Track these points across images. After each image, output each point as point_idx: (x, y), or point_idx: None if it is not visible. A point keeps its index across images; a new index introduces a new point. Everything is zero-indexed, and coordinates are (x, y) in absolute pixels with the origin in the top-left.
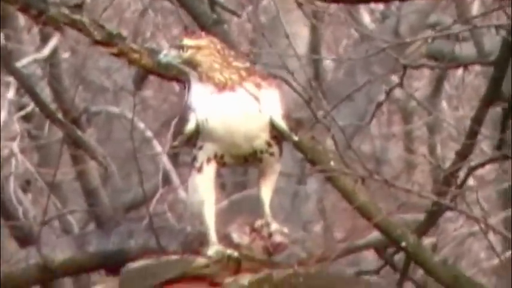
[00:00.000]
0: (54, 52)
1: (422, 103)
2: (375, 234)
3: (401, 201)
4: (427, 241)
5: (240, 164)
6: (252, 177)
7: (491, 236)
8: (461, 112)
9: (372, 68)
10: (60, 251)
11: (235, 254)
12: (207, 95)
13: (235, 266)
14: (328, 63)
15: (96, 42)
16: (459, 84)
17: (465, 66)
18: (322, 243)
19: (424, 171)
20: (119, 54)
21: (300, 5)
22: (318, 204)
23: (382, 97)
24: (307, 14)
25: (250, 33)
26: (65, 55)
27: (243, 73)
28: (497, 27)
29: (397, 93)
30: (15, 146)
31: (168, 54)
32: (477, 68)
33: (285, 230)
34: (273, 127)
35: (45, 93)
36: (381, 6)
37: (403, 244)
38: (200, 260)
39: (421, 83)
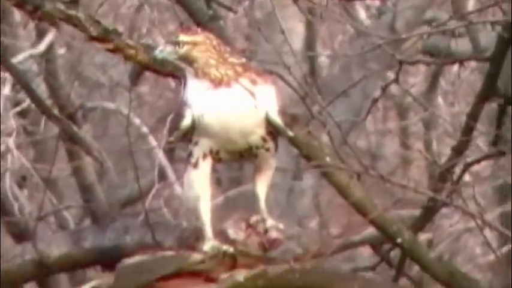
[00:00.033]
0: (50, 48)
1: (418, 99)
2: (370, 231)
3: (397, 197)
4: (423, 237)
5: (236, 160)
6: (247, 173)
7: (487, 232)
8: (457, 108)
9: (367, 64)
10: (55, 247)
11: (231, 249)
12: (202, 90)
13: (231, 261)
14: (323, 59)
15: (92, 38)
16: (455, 80)
17: (461, 62)
18: (318, 239)
19: (419, 167)
20: (114, 50)
21: (295, 0)
22: (314, 200)
23: (377, 93)
24: (303, 10)
25: (246, 29)
26: (61, 51)
27: (239, 69)
28: (493, 24)
29: (393, 89)
30: (11, 141)
31: (163, 50)
32: (473, 63)
33: (281, 225)
34: (269, 123)
35: (41, 89)
36: (376, 2)
37: (399, 240)
38: (196, 256)
39: (417, 78)
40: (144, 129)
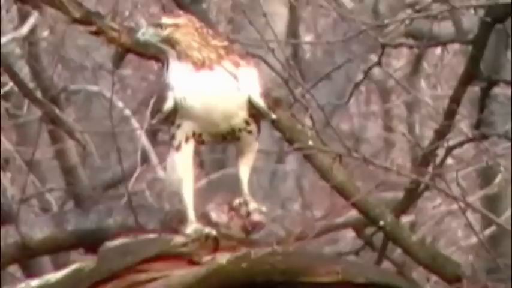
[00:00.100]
0: (33, 31)
1: (400, 82)
2: (353, 213)
3: (380, 179)
4: (406, 219)
5: (219, 142)
6: (231, 156)
7: (470, 215)
8: (440, 91)
9: (350, 47)
10: (38, 230)
11: (214, 232)
12: (185, 73)
13: (214, 244)
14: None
15: (75, 21)
16: (438, 63)
17: (444, 45)
18: (301, 222)
19: (402, 150)
20: (97, 33)
21: None
22: (297, 183)
23: (360, 76)
24: None
25: (229, 12)
26: (44, 34)
27: (222, 52)
28: (476, 8)
29: (376, 72)
30: None
31: (146, 33)
32: (456, 46)
33: (263, 208)
34: (251, 105)
35: (24, 72)
36: None
37: (381, 223)
38: (178, 239)
39: (399, 61)
40: (127, 112)
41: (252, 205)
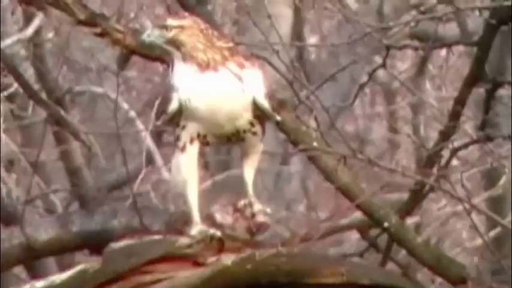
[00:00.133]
0: (38, 32)
1: (405, 84)
2: (358, 215)
3: (384, 181)
4: (411, 221)
5: (223, 144)
6: (235, 157)
7: (475, 216)
8: (445, 92)
9: (355, 49)
10: (43, 231)
11: (218, 233)
12: (190, 74)
13: (218, 245)
14: (311, 43)
15: (80, 22)
16: (443, 65)
17: (449, 46)
18: (306, 223)
19: (407, 151)
20: (102, 35)
21: None
22: (301, 184)
23: (365, 78)
24: None
25: (233, 13)
26: (49, 35)
27: (226, 53)
28: (481, 9)
29: (381, 73)
30: None
31: (151, 34)
32: (461, 48)
33: (268, 210)
34: (256, 107)
35: (29, 73)
36: None
37: (386, 225)
38: (183, 240)
39: (404, 63)
40: (132, 114)
41: (257, 206)
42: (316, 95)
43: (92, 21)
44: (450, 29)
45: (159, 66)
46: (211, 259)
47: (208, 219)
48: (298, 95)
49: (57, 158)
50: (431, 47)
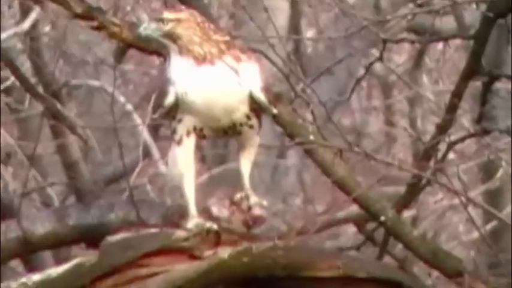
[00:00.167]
0: (35, 26)
1: (402, 78)
2: (354, 208)
3: (381, 174)
4: (408, 214)
5: (220, 137)
6: (232, 151)
7: (471, 210)
8: (442, 86)
9: (352, 42)
10: (40, 224)
11: (215, 227)
12: (186, 68)
13: (215, 239)
14: (308, 36)
15: (76, 16)
16: (439, 58)
17: (445, 40)
18: (302, 217)
19: (404, 145)
20: (99, 28)
21: None
22: (298, 178)
23: (362, 71)
24: None
25: (230, 7)
26: (45, 29)
27: (223, 47)
28: (477, 3)
29: (377, 67)
30: None
31: (148, 28)
32: (458, 41)
33: (264, 203)
34: (252, 100)
35: (25, 66)
36: None
37: (382, 218)
38: (180, 233)
39: (401, 56)
40: (129, 107)
41: (253, 199)
42: (312, 88)
43: (88, 14)
44: (447, 23)
45: (156, 60)
46: (208, 252)
47: (205, 212)
48: (294, 89)
49: (53, 151)
50: (428, 41)
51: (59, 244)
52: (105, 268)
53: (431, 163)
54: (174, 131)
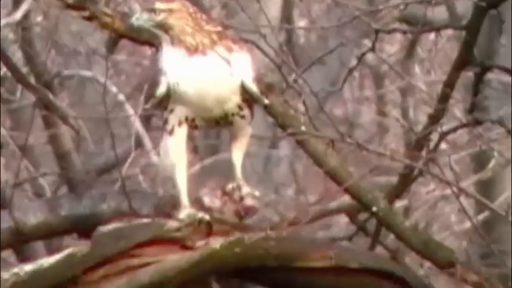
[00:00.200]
0: (26, 16)
1: (394, 68)
2: (346, 199)
3: (373, 164)
4: (400, 204)
5: (212, 127)
6: (224, 141)
7: (463, 200)
8: (434, 76)
9: (344, 32)
10: (32, 215)
11: (207, 217)
12: (178, 58)
13: (207, 229)
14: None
15: (68, 6)
16: (432, 48)
17: (437, 30)
18: (294, 207)
19: (396, 135)
20: (91, 18)
21: None
22: (290, 168)
23: (354, 61)
24: None
25: None
26: (37, 19)
27: (215, 37)
28: None
29: (369, 57)
30: None
31: (140, 18)
32: (449, 32)
33: (256, 193)
34: (244, 90)
35: (17, 57)
36: None
37: (374, 209)
38: (172, 224)
39: (393, 46)
40: (121, 97)
41: (245, 189)
42: (304, 79)
43: (80, 4)
44: (439, 13)
45: (148, 50)
46: (200, 243)
47: (197, 202)
48: (286, 79)
49: (45, 141)
50: (420, 31)
51: (51, 234)
52: (97, 258)
53: (424, 153)
54: (166, 121)
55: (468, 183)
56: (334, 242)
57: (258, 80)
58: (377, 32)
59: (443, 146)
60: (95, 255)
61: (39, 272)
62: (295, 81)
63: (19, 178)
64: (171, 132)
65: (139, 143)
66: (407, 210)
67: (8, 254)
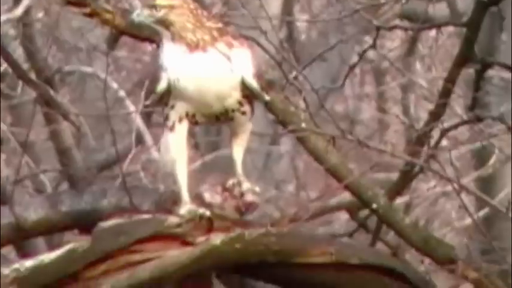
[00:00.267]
0: (27, 12)
1: (395, 64)
2: (347, 195)
3: (374, 161)
4: (401, 201)
5: (212, 123)
6: (225, 137)
7: (464, 196)
8: (435, 73)
9: (345, 29)
10: (33, 211)
11: (207, 213)
12: (179, 54)
13: (208, 225)
14: (301, 23)
15: (69, 3)
16: (432, 45)
17: (438, 27)
18: (295, 203)
19: (397, 132)
20: (91, 15)
21: None
22: (291, 164)
23: (355, 58)
24: None
25: None
26: (38, 15)
27: (216, 34)
28: None
29: (370, 53)
30: None
31: (141, 14)
32: (450, 28)
33: (257, 189)
34: (245, 86)
35: (18, 53)
36: None
37: (374, 206)
38: (172, 219)
39: (394, 43)
40: (122, 94)
41: (246, 185)
42: (304, 75)
43: (81, 1)
44: (440, 9)
45: (149, 46)
46: (201, 238)
47: (198, 198)
48: (286, 76)
49: (46, 137)
50: (421, 28)
51: (51, 230)
52: (97, 254)
53: (424, 150)
54: (166, 117)
55: (469, 179)
56: (335, 238)
57: (259, 76)
58: (378, 28)
59: (444, 142)
60: (96, 251)
61: (40, 267)
62: (296, 77)
63: (20, 174)
64: (171, 129)
65: (140, 139)
66: (408, 207)
67: (9, 250)
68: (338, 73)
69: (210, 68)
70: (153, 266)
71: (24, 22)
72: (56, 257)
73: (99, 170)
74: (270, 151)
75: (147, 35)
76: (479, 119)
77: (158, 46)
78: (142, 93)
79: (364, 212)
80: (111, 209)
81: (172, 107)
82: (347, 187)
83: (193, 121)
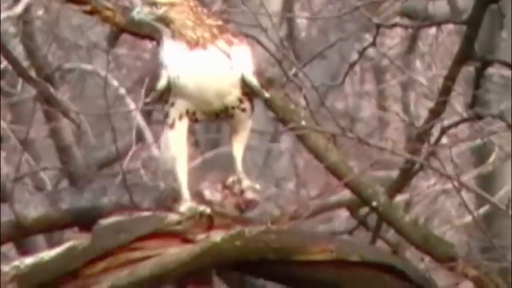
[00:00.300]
0: (27, 9)
1: (395, 62)
2: (347, 193)
3: (374, 159)
4: (401, 198)
5: (212, 120)
6: (225, 135)
7: (464, 194)
8: (435, 70)
9: (345, 26)
10: (33, 208)
11: (208, 210)
12: (179, 52)
13: (208, 222)
14: (302, 21)
15: (69, 0)
16: (432, 43)
17: (438, 25)
18: (295, 201)
19: (397, 129)
20: (92, 12)
21: None
22: (291, 162)
23: (355, 55)
24: None
25: None
26: (38, 12)
27: (215, 31)
28: None
29: (370, 51)
30: None
31: (141, 12)
32: (450, 26)
33: (257, 186)
34: (245, 84)
35: (18, 50)
36: None
37: (374, 204)
38: (172, 217)
39: (394, 40)
40: (122, 91)
41: (246, 183)
42: (304, 73)
43: None
44: (440, 7)
45: (149, 44)
46: (201, 236)
47: (198, 196)
48: (286, 73)
49: (46, 135)
50: (421, 26)
51: (51, 228)
52: (97, 251)
53: (424, 147)
54: (166, 115)
55: (469, 177)
56: (335, 235)
57: (259, 73)
58: (378, 26)
59: (444, 140)
60: (96, 248)
61: (40, 265)
62: (296, 75)
63: (20, 172)
64: (171, 126)
65: (140, 137)
66: (408, 205)
67: (9, 248)
68: (338, 71)
69: (210, 65)
70: (153, 264)
71: (25, 20)
72: (56, 254)
73: (99, 167)
74: (270, 149)
75: (147, 33)
76: (479, 117)
77: (158, 44)
78: (143, 91)
79: (364, 210)
80: (111, 206)
81: (173, 104)
82: (347, 185)
83: (193, 118)
